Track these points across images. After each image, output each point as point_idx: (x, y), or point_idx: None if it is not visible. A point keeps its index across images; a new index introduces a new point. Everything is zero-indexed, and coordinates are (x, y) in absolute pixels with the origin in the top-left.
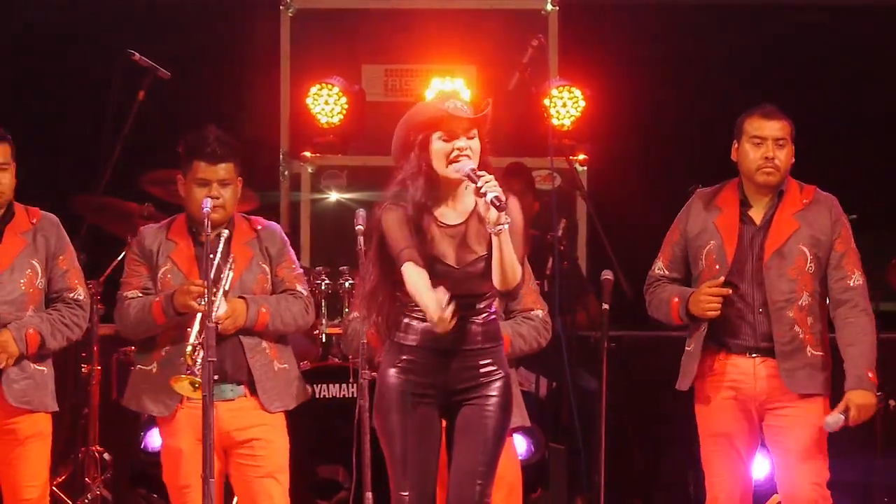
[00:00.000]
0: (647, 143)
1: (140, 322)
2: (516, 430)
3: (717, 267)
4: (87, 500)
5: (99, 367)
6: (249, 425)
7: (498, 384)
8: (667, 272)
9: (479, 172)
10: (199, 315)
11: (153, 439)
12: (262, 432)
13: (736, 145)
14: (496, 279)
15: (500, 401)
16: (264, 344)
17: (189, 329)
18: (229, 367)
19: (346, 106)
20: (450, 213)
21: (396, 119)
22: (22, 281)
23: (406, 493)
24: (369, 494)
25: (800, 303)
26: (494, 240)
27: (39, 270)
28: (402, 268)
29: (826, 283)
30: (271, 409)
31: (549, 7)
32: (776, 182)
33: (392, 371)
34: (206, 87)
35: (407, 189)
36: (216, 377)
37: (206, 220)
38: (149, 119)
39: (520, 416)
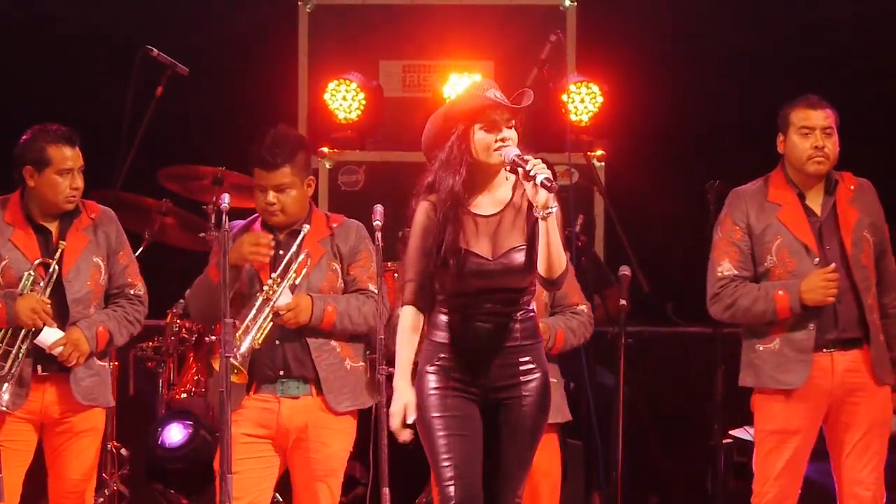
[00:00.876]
0: (664, 139)
1: (200, 285)
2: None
3: (797, 261)
4: (104, 496)
5: (116, 363)
6: (310, 425)
7: (535, 383)
8: (737, 272)
9: (525, 157)
10: (259, 300)
11: (170, 435)
12: (320, 435)
13: (782, 137)
14: (542, 266)
15: (538, 400)
16: (333, 343)
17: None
18: (293, 363)
19: (363, 102)
20: (486, 204)
21: (414, 115)
22: (88, 280)
23: (450, 485)
24: (386, 490)
25: (872, 290)
26: (542, 224)
27: (102, 267)
28: (402, 309)
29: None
30: (339, 408)
31: (568, 3)
32: (826, 170)
33: (429, 368)
34: (224, 83)
35: (442, 179)
36: (281, 373)
37: (224, 215)
38: (167, 115)
39: (562, 412)
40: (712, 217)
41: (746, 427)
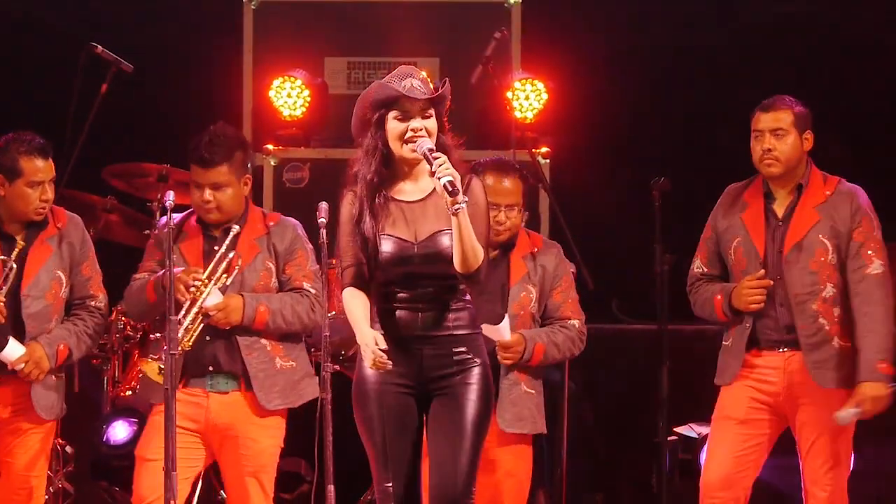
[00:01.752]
0: (609, 136)
1: (137, 297)
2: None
3: (746, 261)
4: (49, 493)
5: None
6: (238, 422)
7: (474, 372)
8: (706, 269)
9: (434, 154)
10: (186, 303)
11: (115, 432)
12: (250, 431)
13: None
14: (456, 260)
15: (478, 389)
16: (263, 341)
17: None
18: (223, 360)
19: (308, 99)
20: (410, 190)
21: None
22: (47, 293)
23: (390, 485)
24: (331, 487)
25: (823, 294)
26: (453, 220)
27: (64, 280)
28: (343, 292)
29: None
30: (269, 406)
31: (513, 0)
32: (779, 172)
33: (368, 362)
34: (168, 80)
35: (361, 168)
36: (210, 368)
37: (168, 213)
38: (111, 112)
39: (536, 423)
40: (657, 214)
41: (691, 424)
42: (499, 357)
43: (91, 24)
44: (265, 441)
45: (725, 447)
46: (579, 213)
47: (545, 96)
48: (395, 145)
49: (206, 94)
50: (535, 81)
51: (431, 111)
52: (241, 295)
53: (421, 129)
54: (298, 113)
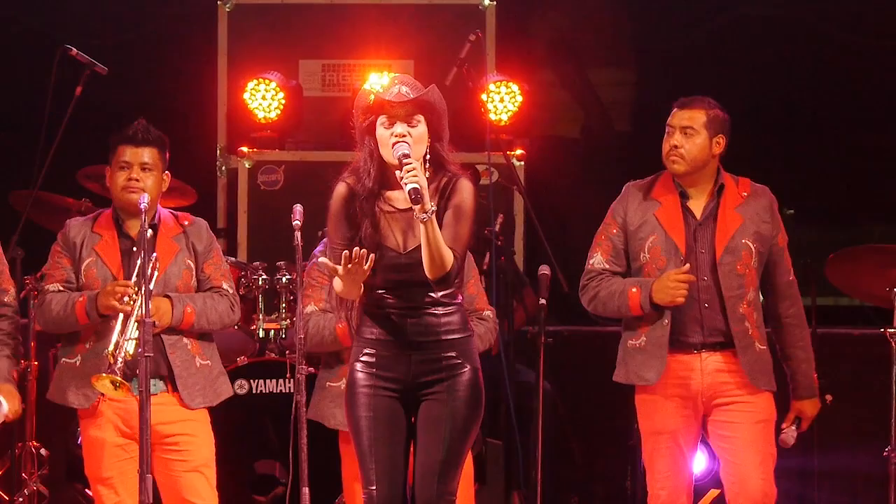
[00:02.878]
0: (583, 138)
1: (62, 319)
2: None
3: (666, 259)
4: (24, 496)
5: (36, 363)
6: (172, 420)
7: (464, 378)
8: (608, 266)
9: (406, 161)
10: (121, 314)
11: None
12: (185, 427)
13: None
14: (425, 266)
15: (466, 395)
16: (185, 340)
17: (112, 324)
18: (150, 362)
19: (283, 101)
20: (398, 197)
21: (334, 114)
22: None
23: (374, 488)
24: (306, 490)
25: (748, 298)
26: (420, 227)
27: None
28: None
29: (763, 278)
30: (192, 405)
31: (487, 2)
32: (682, 171)
33: (357, 366)
34: (143, 83)
35: (360, 173)
36: (137, 372)
37: (142, 216)
38: (86, 114)
39: None
40: None
41: None
42: None
43: (65, 26)
44: (203, 435)
45: (668, 463)
46: (554, 216)
47: (520, 98)
48: (383, 151)
49: (180, 96)
50: (510, 84)
51: (420, 118)
52: (168, 296)
53: (404, 135)
54: (273, 115)
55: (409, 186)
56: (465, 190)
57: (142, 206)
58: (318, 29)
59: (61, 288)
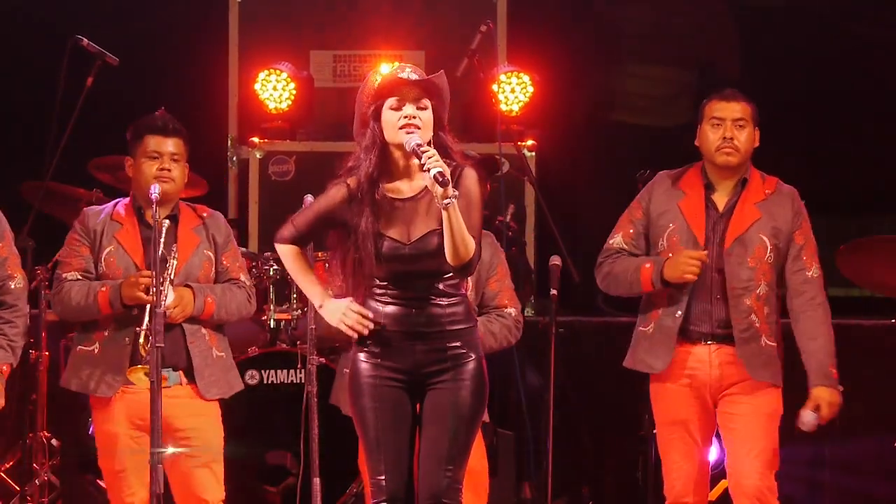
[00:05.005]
0: (595, 128)
1: (83, 309)
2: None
3: (683, 249)
4: (35, 486)
5: (47, 353)
6: (184, 414)
7: (469, 368)
8: (626, 247)
9: (423, 148)
10: (148, 305)
11: None
12: (197, 422)
13: (698, 129)
14: (448, 254)
15: (471, 385)
16: (204, 331)
17: (135, 313)
18: (168, 352)
19: (294, 92)
20: (402, 187)
21: (345, 105)
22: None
23: (382, 478)
24: (317, 480)
25: (757, 292)
26: (444, 213)
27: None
28: (279, 246)
29: (783, 276)
30: (208, 396)
31: None
32: (736, 163)
33: (361, 356)
34: (154, 73)
35: (360, 162)
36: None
37: (154, 206)
38: (97, 105)
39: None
40: None
41: None
42: None
43: (76, 16)
44: (213, 430)
45: (682, 453)
46: (565, 206)
47: (531, 89)
48: (389, 133)
49: (191, 87)
50: (521, 74)
51: (427, 103)
52: (189, 286)
53: (415, 117)
54: (284, 106)
55: (435, 170)
56: (471, 178)
57: (153, 197)
58: (329, 19)
59: (80, 277)
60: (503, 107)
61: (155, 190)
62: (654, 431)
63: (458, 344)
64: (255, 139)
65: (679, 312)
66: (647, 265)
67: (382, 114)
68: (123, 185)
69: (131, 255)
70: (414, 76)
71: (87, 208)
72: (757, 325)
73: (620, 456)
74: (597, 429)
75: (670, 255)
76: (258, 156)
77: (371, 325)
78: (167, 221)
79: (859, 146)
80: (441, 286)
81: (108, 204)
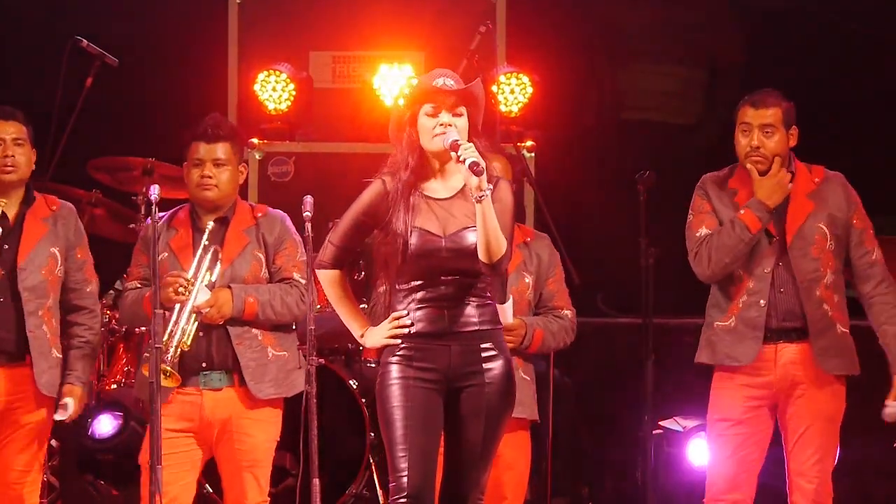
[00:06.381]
0: (594, 129)
1: (134, 315)
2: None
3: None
4: None
5: None
6: (233, 417)
7: (497, 370)
8: (713, 231)
9: (459, 142)
10: (177, 305)
11: (100, 426)
12: (243, 425)
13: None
14: (480, 249)
15: (500, 387)
16: (255, 331)
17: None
18: (216, 355)
19: (293, 93)
20: (439, 189)
21: (344, 106)
22: (43, 269)
23: (404, 476)
24: (316, 481)
25: (825, 281)
26: (477, 208)
27: (59, 258)
28: (322, 274)
29: (846, 261)
30: (261, 396)
31: None
32: (764, 169)
33: (393, 359)
34: (153, 74)
35: (397, 164)
36: (203, 365)
37: (153, 206)
38: (96, 106)
39: (532, 408)
40: (642, 207)
41: (676, 418)
42: None
43: (76, 16)
44: (259, 436)
45: (728, 450)
46: (564, 207)
47: (530, 90)
48: (425, 140)
49: (191, 87)
50: (520, 75)
51: (463, 110)
52: (229, 287)
53: (450, 125)
54: (283, 107)
55: (471, 160)
56: (505, 189)
57: (152, 198)
58: (329, 20)
59: (139, 285)
60: (502, 107)
61: (154, 191)
62: (655, 432)
63: (489, 345)
64: (255, 140)
65: (762, 302)
66: (742, 211)
67: (418, 119)
68: (122, 187)
69: (181, 260)
70: (451, 82)
71: (151, 217)
72: (830, 314)
73: (620, 457)
74: (596, 429)
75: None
76: (257, 157)
77: (408, 322)
78: (211, 223)
79: (859, 146)
80: (473, 287)
81: (173, 210)
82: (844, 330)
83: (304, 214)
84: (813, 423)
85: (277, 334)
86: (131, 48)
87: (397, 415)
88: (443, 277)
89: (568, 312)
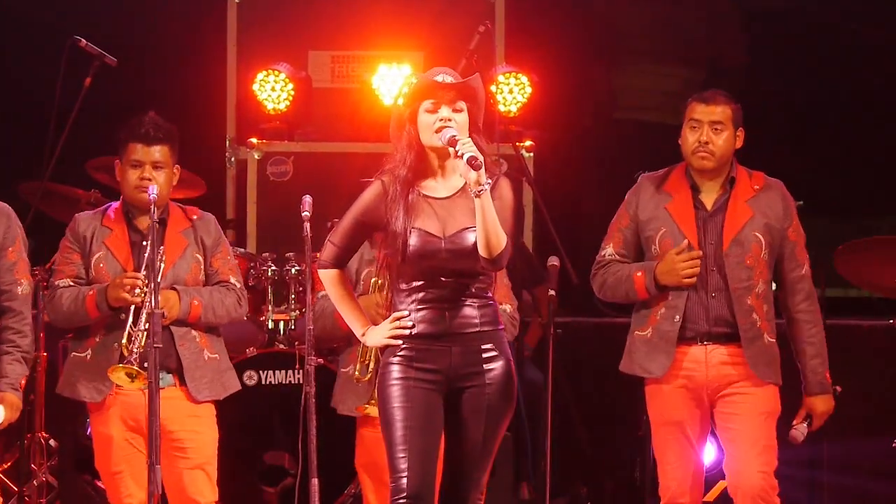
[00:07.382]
0: (593, 129)
1: (73, 314)
2: None
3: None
4: (33, 487)
5: (45, 354)
6: (178, 416)
7: (498, 370)
8: (617, 257)
9: (457, 137)
10: (132, 306)
11: None
12: (190, 424)
13: (681, 130)
14: (480, 244)
15: (501, 387)
16: (194, 333)
17: (123, 317)
18: (159, 354)
19: (292, 92)
20: (438, 188)
21: (343, 105)
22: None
23: (404, 476)
24: (315, 481)
25: (756, 290)
26: (476, 202)
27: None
28: (323, 273)
29: (775, 271)
30: (199, 397)
31: None
32: (711, 167)
33: (394, 360)
34: (152, 74)
35: (396, 163)
36: (145, 364)
37: (152, 207)
38: (95, 106)
39: None
40: None
41: None
42: None
43: (75, 17)
44: (208, 433)
45: (677, 454)
46: (563, 207)
47: (529, 90)
48: (424, 136)
49: (190, 87)
50: (519, 75)
51: (462, 105)
52: (175, 289)
53: (449, 120)
54: (282, 106)
55: (469, 154)
56: (506, 187)
57: (151, 198)
58: (328, 20)
59: (71, 283)
60: (501, 107)
61: (152, 191)
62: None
63: (490, 346)
64: (254, 140)
65: (677, 317)
66: (639, 273)
67: (418, 116)
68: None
69: (120, 259)
70: (449, 79)
71: (78, 214)
72: (759, 323)
73: (618, 456)
74: (595, 429)
75: (656, 262)
76: (256, 156)
77: (409, 323)
78: (155, 223)
79: (857, 147)
80: (473, 288)
81: (100, 208)
82: (772, 340)
83: (303, 214)
84: (751, 419)
85: (211, 337)
86: (131, 48)
87: (397, 415)
88: (443, 278)
89: (507, 307)
